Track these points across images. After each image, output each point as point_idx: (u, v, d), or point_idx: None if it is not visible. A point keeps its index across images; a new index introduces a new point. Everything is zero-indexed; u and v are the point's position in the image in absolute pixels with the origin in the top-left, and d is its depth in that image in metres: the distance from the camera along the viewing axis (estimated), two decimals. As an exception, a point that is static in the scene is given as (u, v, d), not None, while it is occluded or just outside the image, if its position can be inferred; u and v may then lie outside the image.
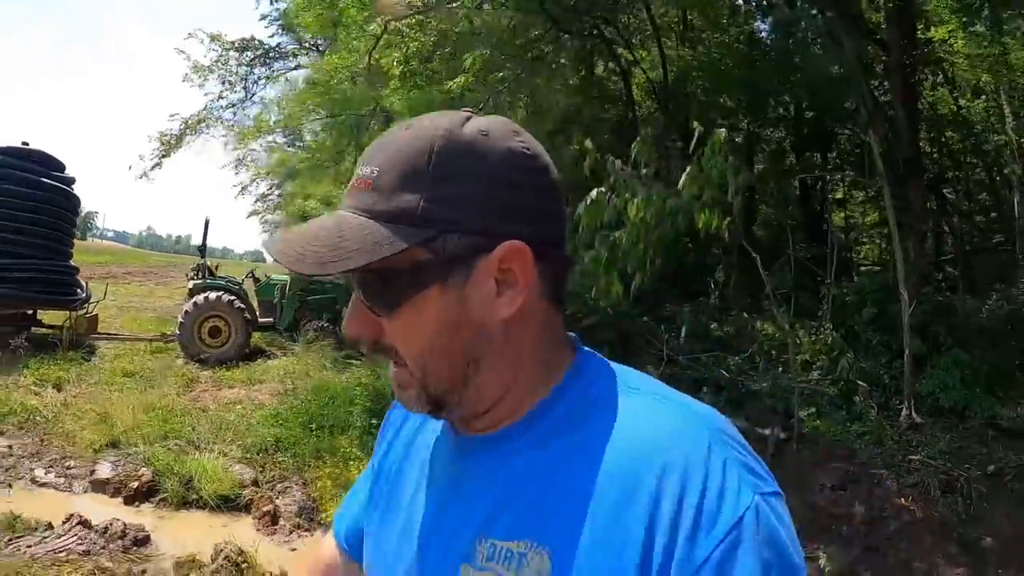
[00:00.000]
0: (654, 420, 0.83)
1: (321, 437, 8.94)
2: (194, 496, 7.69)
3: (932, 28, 11.56)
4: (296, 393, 10.62)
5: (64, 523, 6.45)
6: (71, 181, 13.86)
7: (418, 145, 0.85)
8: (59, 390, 10.63)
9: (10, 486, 7.59)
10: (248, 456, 8.66)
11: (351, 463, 8.08)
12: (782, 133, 18.64)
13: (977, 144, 14.10)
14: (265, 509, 7.55)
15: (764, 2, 15.66)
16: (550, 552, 0.81)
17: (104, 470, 8.14)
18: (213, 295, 13.21)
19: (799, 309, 11.23)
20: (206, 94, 22.04)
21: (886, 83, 11.33)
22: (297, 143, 37.81)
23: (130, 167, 21.88)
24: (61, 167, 13.76)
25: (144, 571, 6.05)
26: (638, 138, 5.96)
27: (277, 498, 7.93)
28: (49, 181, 13.03)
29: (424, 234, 0.82)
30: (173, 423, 9.38)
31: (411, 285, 0.85)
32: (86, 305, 13.64)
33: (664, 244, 5.83)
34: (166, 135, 21.66)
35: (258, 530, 7.33)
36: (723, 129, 5.78)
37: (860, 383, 9.21)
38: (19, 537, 6.20)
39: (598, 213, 5.46)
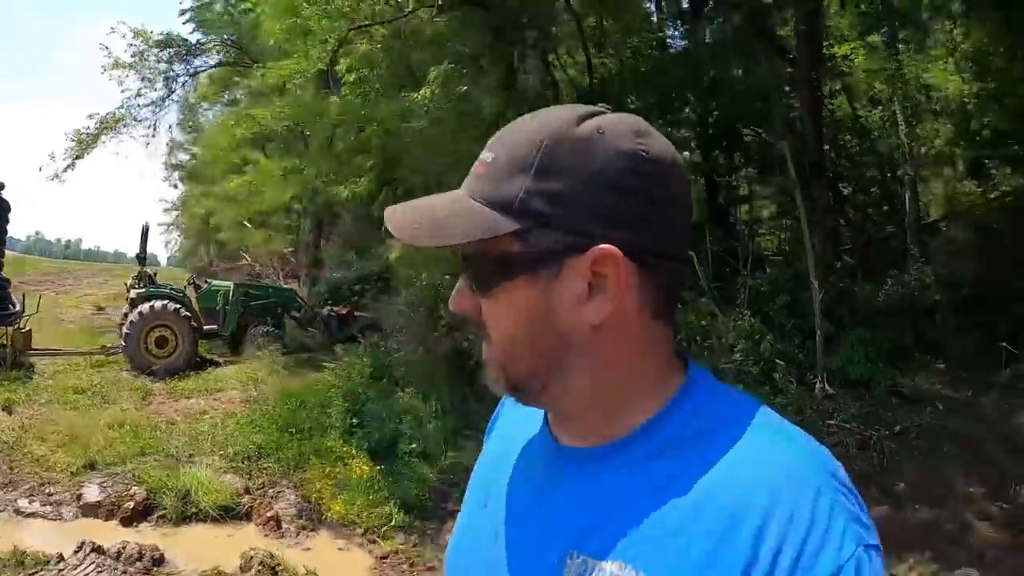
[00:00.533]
0: (763, 455, 0.82)
1: (303, 440, 9.15)
2: (193, 510, 7.81)
3: (836, 45, 13.13)
4: (262, 400, 10.75)
5: (76, 552, 6.41)
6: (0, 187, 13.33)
7: (533, 137, 0.86)
8: (9, 412, 10.39)
9: (42, 518, 7.43)
10: (234, 465, 8.78)
11: (346, 461, 8.50)
12: (689, 133, 20.10)
13: (872, 147, 15.81)
14: (268, 515, 7.75)
15: (677, 14, 17.26)
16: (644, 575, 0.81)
17: (92, 493, 8.05)
18: (158, 304, 13.07)
19: (718, 298, 12.53)
20: (123, 91, 21.64)
21: (794, 93, 12.70)
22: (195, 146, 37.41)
23: (40, 168, 21.41)
24: None
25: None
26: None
27: (274, 503, 8.09)
28: None
29: (518, 225, 0.84)
30: (146, 439, 9.40)
31: (501, 273, 0.87)
32: (20, 320, 13.20)
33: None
34: (82, 134, 21.25)
35: (265, 535, 7.57)
36: (686, 152, 6.97)
37: (779, 362, 10.51)
38: (33, 573, 6.19)
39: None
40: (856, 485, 3.15)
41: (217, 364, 13.77)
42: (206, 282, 15.60)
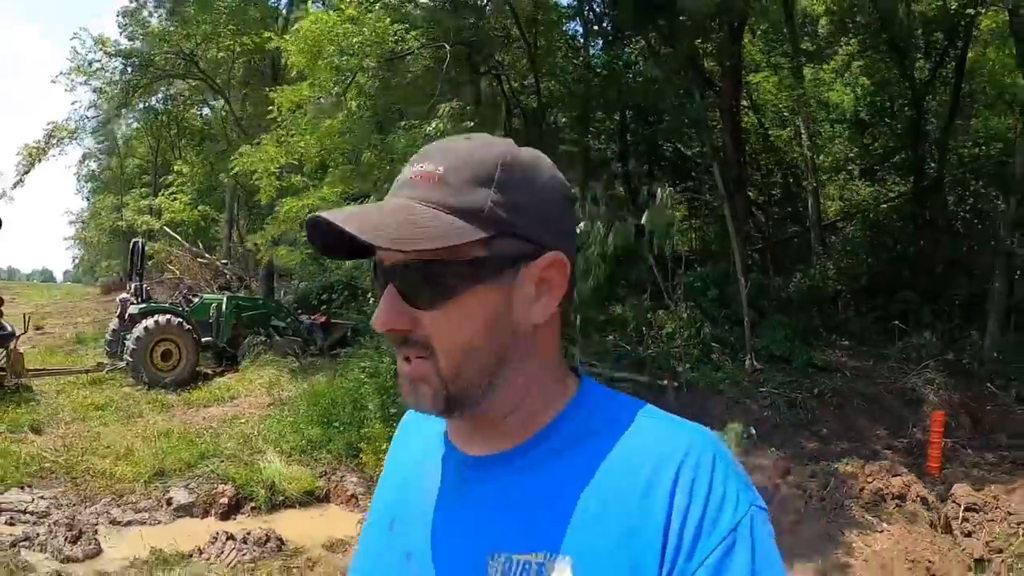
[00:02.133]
0: (662, 436, 0.93)
1: (347, 432, 10.16)
2: (280, 498, 8.60)
3: (751, 74, 15.88)
4: (291, 402, 11.70)
5: (212, 543, 7.07)
6: None
7: (486, 152, 0.95)
8: (39, 433, 10.52)
9: (95, 532, 7.64)
10: (294, 458, 9.66)
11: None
12: (606, 144, 22.50)
13: (780, 160, 18.71)
14: (349, 494, 8.83)
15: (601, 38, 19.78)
16: (571, 561, 0.88)
17: (181, 495, 8.55)
18: (162, 318, 13.66)
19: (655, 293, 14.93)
20: (74, 102, 21.97)
21: (717, 118, 15.29)
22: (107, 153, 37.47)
23: None
24: None
25: (312, 563, 6.99)
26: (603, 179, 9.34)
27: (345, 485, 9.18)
28: None
29: (488, 232, 0.91)
30: (200, 444, 10.04)
31: (467, 279, 0.92)
32: (14, 341, 13.10)
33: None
34: (31, 147, 21.66)
35: (350, 511, 8.56)
36: (669, 188, 9.29)
37: (715, 344, 12.99)
38: (185, 566, 6.69)
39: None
40: (789, 433, 6.64)
41: (208, 376, 14.44)
42: (195, 295, 16.43)
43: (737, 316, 13.16)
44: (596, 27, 21.83)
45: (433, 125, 10.92)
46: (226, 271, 24.80)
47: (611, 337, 13.55)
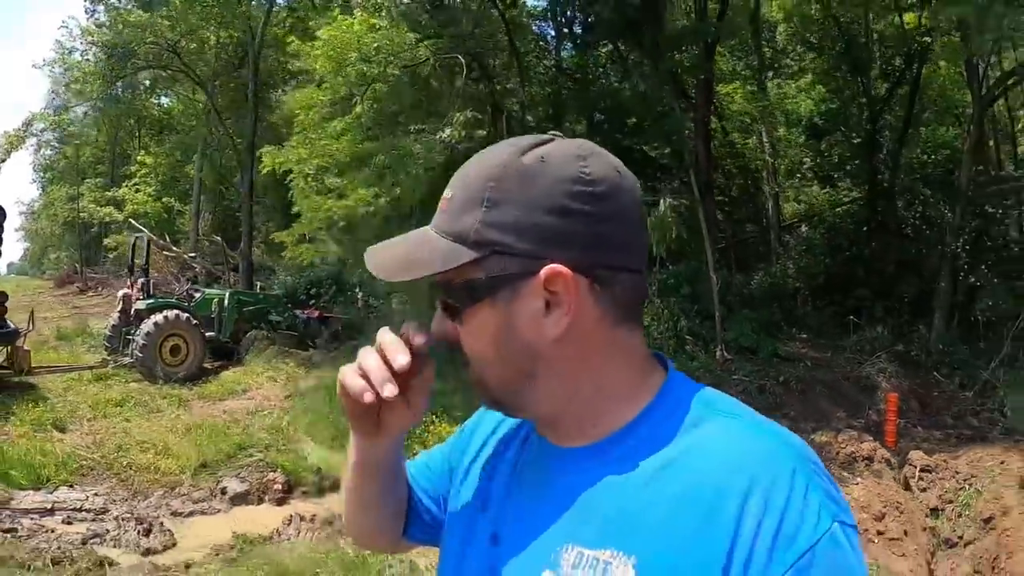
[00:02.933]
0: (742, 443, 0.90)
1: None
2: (327, 482, 9.06)
3: (721, 85, 17.42)
4: (310, 392, 12.27)
5: (289, 525, 7.66)
6: None
7: (482, 173, 0.97)
8: (63, 430, 10.71)
9: (162, 523, 7.98)
10: (335, 444, 9.80)
11: (426, 427, 9.71)
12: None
13: (743, 165, 20.34)
14: None
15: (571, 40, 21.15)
16: (635, 561, 0.88)
17: (234, 485, 8.97)
18: (171, 314, 14.04)
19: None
20: (51, 91, 22.06)
21: (691, 127, 16.68)
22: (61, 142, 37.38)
23: None
24: None
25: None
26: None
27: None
28: None
29: (475, 254, 0.94)
30: (231, 437, 10.47)
31: (467, 299, 0.97)
32: (21, 339, 13.43)
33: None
34: (12, 135, 22.01)
35: None
36: (670, 200, 10.69)
37: (688, 336, 14.43)
38: (266, 547, 7.13)
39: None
40: (762, 412, 7.96)
41: (207, 370, 14.69)
42: (197, 290, 16.77)
43: (707, 311, 14.55)
44: (567, 30, 23.22)
45: (447, 132, 12.06)
46: (195, 264, 24.81)
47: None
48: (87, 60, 22.51)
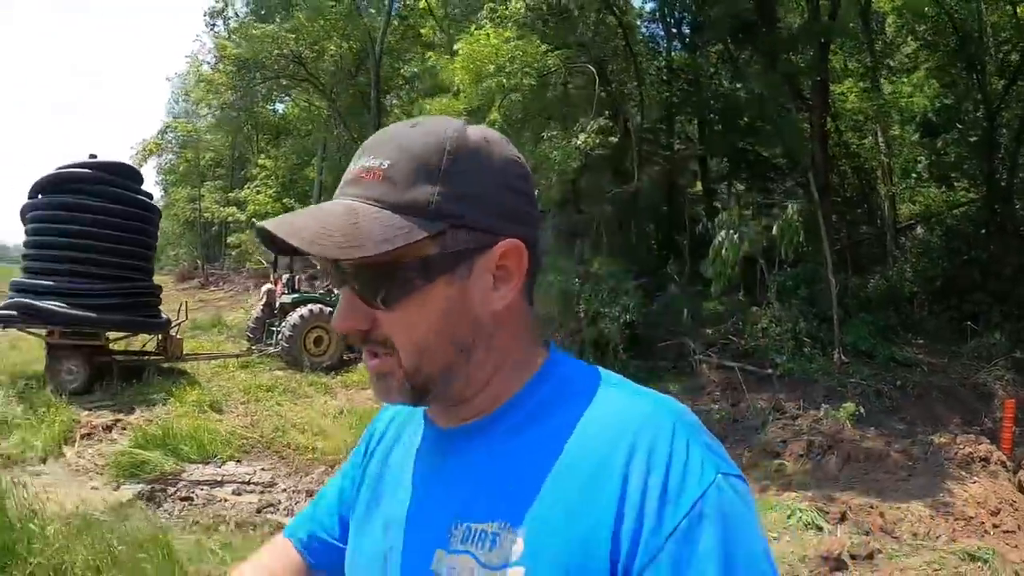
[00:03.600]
0: (621, 408, 0.95)
1: None
2: None
3: (834, 84, 17.92)
4: None
5: None
6: (150, 195, 14.79)
7: (431, 141, 0.95)
8: (219, 412, 11.70)
9: None
10: None
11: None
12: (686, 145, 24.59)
13: (858, 165, 20.75)
14: None
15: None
16: (524, 531, 0.91)
17: None
18: (315, 307, 15.56)
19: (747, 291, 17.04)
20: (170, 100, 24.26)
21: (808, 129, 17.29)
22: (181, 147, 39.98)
23: None
24: (141, 179, 14.66)
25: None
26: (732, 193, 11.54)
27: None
28: (134, 195, 13.90)
29: (436, 227, 0.92)
30: None
31: (419, 277, 0.94)
32: (172, 327, 14.77)
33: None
34: (151, 144, 23.84)
35: None
36: (798, 204, 11.48)
37: (806, 339, 15.09)
38: None
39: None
40: (881, 418, 8.71)
41: (345, 361, 16.06)
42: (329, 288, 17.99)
43: (824, 314, 15.00)
44: (675, 30, 23.92)
45: (581, 139, 13.06)
46: (315, 262, 26.89)
47: (710, 331, 15.69)
48: (218, 70, 24.32)
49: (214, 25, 27.89)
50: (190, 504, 8.27)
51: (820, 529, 7.29)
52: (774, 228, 12.30)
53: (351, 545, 1.20)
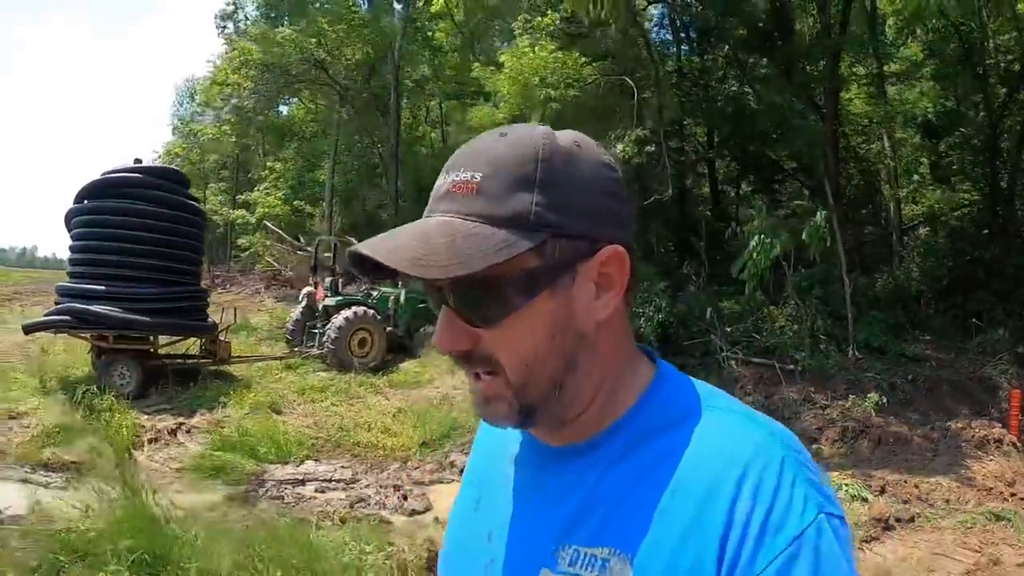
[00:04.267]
0: (733, 436, 0.95)
1: None
2: None
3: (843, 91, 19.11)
4: None
5: None
6: (196, 199, 15.17)
7: (522, 152, 0.94)
8: (278, 412, 12.04)
9: (411, 490, 8.92)
10: None
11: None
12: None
13: (864, 168, 21.92)
14: None
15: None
16: (631, 558, 0.92)
17: (462, 459, 9.65)
18: (359, 310, 16.21)
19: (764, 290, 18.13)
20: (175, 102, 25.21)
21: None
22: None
23: None
24: (188, 183, 15.03)
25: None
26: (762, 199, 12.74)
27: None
28: (183, 199, 14.24)
29: (537, 238, 0.91)
30: (441, 418, 11.71)
31: (523, 292, 0.93)
32: (223, 331, 15.42)
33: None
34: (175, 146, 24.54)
35: None
36: (825, 212, 12.64)
37: (822, 336, 16.21)
38: None
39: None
40: (898, 409, 10.20)
41: (388, 362, 16.64)
42: (374, 289, 18.42)
43: (838, 312, 16.08)
44: (683, 34, 24.86)
45: (620, 148, 14.14)
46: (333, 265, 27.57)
47: (729, 329, 16.79)
48: (240, 74, 25.07)
49: (224, 27, 28.80)
50: (281, 503, 8.54)
51: (865, 500, 8.44)
52: (803, 233, 13.40)
53: (452, 537, 1.23)
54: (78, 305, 12.56)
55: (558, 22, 16.45)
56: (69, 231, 13.62)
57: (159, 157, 26.86)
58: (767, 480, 0.89)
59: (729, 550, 0.87)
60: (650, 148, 15.44)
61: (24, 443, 9.65)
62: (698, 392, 1.04)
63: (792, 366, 14.71)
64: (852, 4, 18.48)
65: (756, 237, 13.86)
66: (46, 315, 13.18)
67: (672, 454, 0.96)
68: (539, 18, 16.53)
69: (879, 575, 6.66)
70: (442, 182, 0.97)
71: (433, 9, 25.63)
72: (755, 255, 13.76)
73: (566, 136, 0.99)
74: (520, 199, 0.92)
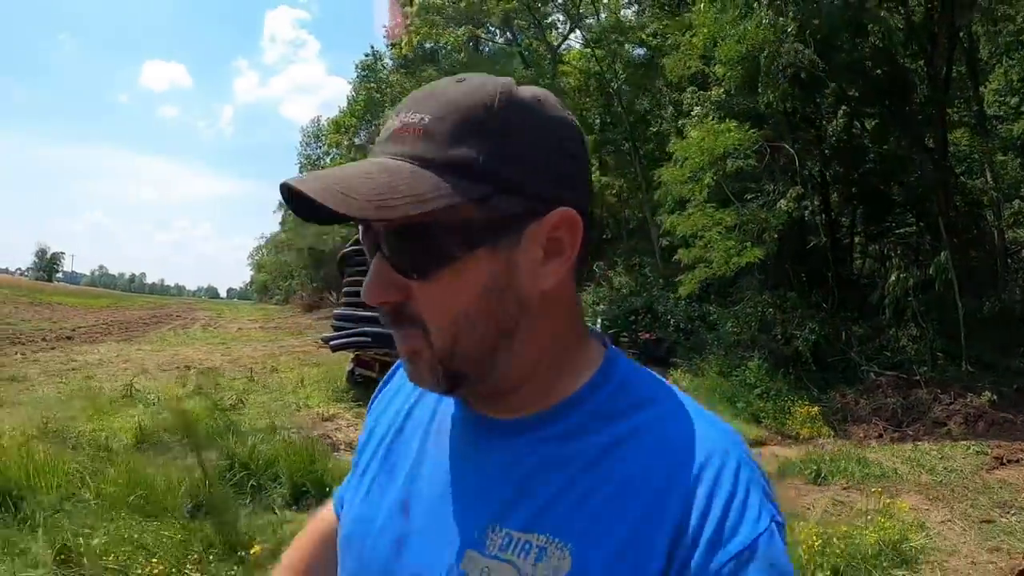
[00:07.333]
0: (688, 433, 0.97)
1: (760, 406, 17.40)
2: None
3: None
4: (689, 391, 17.99)
5: None
6: None
7: (477, 98, 0.92)
8: None
9: None
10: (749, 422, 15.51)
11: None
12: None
13: (970, 200, 24.70)
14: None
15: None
16: (571, 549, 0.92)
17: None
18: None
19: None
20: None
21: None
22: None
23: None
24: None
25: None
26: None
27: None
28: None
29: (481, 190, 0.90)
30: None
31: (459, 245, 0.91)
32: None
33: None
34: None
35: None
36: (947, 252, 17.34)
37: (939, 353, 20.24)
38: None
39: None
40: (1007, 408, 17.42)
41: None
42: None
43: (950, 331, 19.69)
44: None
45: (782, 204, 18.94)
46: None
47: (859, 347, 21.19)
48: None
49: (365, 76, 34.25)
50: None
51: (985, 454, 12.62)
52: (930, 268, 18.01)
53: (351, 511, 1.20)
54: (374, 329, 15.59)
55: (723, 95, 21.22)
56: (344, 267, 17.20)
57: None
58: (723, 483, 0.93)
59: (681, 550, 0.90)
60: (808, 204, 19.84)
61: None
62: (649, 381, 1.08)
63: (917, 377, 18.67)
64: (955, 52, 21.72)
65: (895, 273, 18.38)
66: (347, 336, 16.66)
67: (623, 444, 0.98)
68: (705, 92, 21.34)
69: (1005, 483, 10.79)
70: (389, 123, 0.96)
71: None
72: (893, 288, 18.32)
73: (528, 89, 0.99)
74: (467, 146, 0.91)
